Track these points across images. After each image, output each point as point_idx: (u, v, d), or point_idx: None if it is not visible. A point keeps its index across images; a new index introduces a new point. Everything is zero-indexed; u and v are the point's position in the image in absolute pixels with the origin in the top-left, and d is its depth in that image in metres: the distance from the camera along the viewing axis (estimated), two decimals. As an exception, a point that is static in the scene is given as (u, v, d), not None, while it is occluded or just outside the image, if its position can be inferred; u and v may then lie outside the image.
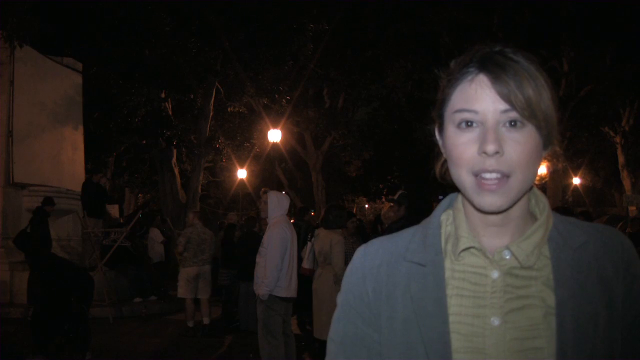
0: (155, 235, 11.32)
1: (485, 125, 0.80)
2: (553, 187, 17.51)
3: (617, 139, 18.38)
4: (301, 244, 6.49)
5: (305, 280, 6.22)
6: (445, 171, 0.89)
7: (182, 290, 7.59)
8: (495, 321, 0.81)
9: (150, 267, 10.37)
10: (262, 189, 5.44)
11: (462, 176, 0.82)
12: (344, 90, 18.10)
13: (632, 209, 14.73)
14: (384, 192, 25.49)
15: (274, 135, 16.39)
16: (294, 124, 18.35)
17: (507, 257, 0.83)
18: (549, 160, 0.87)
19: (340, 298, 0.94)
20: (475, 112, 0.80)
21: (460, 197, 0.89)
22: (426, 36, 15.66)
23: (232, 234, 9.07)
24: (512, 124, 0.79)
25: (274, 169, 19.98)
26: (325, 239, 5.13)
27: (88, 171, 11.61)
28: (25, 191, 9.80)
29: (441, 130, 0.88)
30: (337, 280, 5.04)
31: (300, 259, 5.82)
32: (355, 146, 19.79)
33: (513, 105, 0.78)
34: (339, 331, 0.92)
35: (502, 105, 0.79)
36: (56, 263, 5.85)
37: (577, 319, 0.78)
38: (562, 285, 0.80)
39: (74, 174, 11.27)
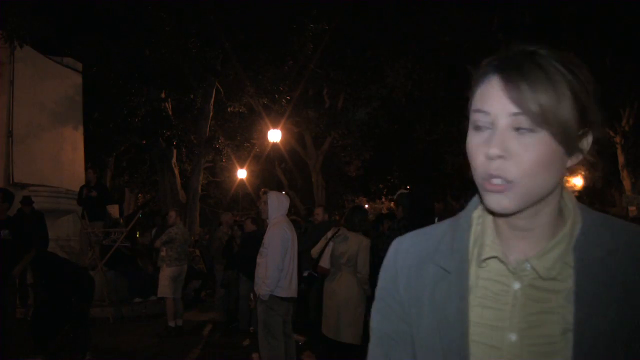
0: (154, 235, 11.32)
1: (494, 127, 0.78)
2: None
3: (617, 139, 18.36)
4: (309, 244, 6.45)
5: (306, 280, 6.22)
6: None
7: (167, 290, 7.54)
8: (513, 337, 0.81)
9: (151, 266, 10.36)
10: (262, 190, 5.42)
11: (475, 177, 0.81)
12: (344, 90, 18.08)
13: (632, 209, 14.71)
14: (384, 192, 25.47)
15: (274, 135, 16.38)
16: (294, 124, 18.34)
17: (528, 268, 0.82)
18: (585, 170, 0.85)
19: (377, 291, 0.97)
20: (487, 113, 0.79)
21: None
22: (426, 36, 15.64)
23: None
24: (522, 128, 0.76)
25: (274, 169, 19.96)
26: (354, 241, 5.10)
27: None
28: (25, 191, 9.77)
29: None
30: (361, 284, 5.02)
31: (311, 259, 5.79)
32: (355, 146, 19.77)
33: (523, 110, 0.76)
34: (377, 324, 0.96)
35: (513, 109, 0.76)
36: (57, 263, 5.85)
37: (596, 337, 0.75)
38: (582, 301, 0.77)
39: (74, 174, 11.26)
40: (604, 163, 0.85)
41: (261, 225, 7.18)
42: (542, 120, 0.75)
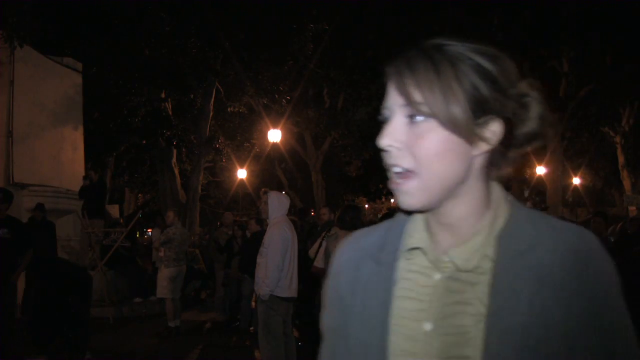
0: (156, 235, 11.32)
1: (390, 119, 0.81)
2: (553, 187, 17.51)
3: (617, 139, 18.38)
4: (306, 244, 6.46)
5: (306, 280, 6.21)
6: None
7: (166, 291, 7.53)
8: (428, 326, 0.81)
9: (151, 266, 10.37)
10: (262, 189, 5.43)
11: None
12: (344, 90, 18.08)
13: (632, 209, 14.69)
14: (384, 192, 25.49)
15: (274, 135, 16.38)
16: (294, 124, 18.33)
17: (446, 260, 0.82)
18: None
19: (325, 287, 0.97)
20: (386, 107, 0.82)
21: None
22: (426, 36, 15.62)
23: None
24: (412, 118, 0.78)
25: (274, 169, 19.98)
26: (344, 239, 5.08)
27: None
28: (25, 191, 9.79)
29: None
30: None
31: (308, 259, 5.80)
32: (355, 146, 19.76)
33: (407, 101, 0.77)
34: (324, 319, 0.95)
35: (401, 100, 0.78)
36: (55, 263, 5.85)
37: (507, 330, 0.74)
38: (496, 293, 0.76)
39: (74, 174, 11.27)
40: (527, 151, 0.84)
41: (265, 225, 7.20)
42: (427, 110, 0.76)
